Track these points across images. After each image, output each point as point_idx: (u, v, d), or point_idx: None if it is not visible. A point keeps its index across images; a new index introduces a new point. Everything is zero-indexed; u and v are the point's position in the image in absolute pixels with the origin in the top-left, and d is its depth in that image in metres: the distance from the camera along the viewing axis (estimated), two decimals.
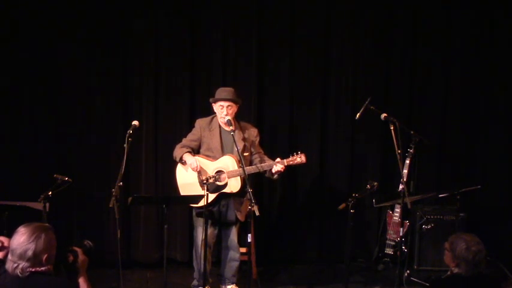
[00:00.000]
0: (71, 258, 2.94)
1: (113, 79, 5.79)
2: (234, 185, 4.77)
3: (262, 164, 4.80)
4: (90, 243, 3.17)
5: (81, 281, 2.99)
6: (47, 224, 2.92)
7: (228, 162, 4.78)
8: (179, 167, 4.91)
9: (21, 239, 2.76)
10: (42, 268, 2.77)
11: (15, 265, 2.74)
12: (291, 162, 4.75)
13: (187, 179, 4.84)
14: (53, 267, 2.83)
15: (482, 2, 6.08)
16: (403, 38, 6.13)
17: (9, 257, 2.77)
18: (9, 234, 4.45)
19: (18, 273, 2.73)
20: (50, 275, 2.80)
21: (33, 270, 2.75)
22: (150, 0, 5.79)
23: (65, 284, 2.88)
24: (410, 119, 6.10)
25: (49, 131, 5.73)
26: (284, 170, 4.76)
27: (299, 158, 4.74)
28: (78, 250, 3.00)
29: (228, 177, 4.75)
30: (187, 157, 4.81)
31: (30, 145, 5.67)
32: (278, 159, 4.76)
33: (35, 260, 2.74)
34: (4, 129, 5.63)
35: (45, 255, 2.77)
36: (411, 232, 5.66)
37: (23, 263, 2.73)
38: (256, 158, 4.92)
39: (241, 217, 4.87)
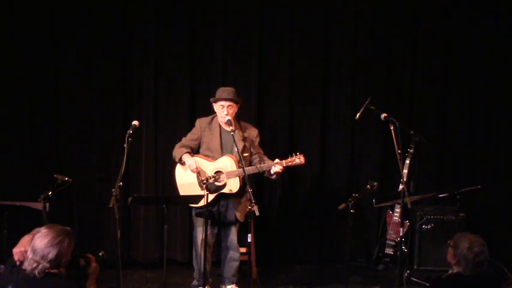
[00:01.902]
0: (82, 263, 2.96)
1: (113, 79, 5.79)
2: (233, 186, 4.76)
3: (261, 165, 4.80)
4: (104, 254, 3.19)
5: (89, 286, 3.00)
6: (69, 228, 2.93)
7: (227, 163, 4.78)
8: (178, 167, 4.91)
9: (45, 241, 2.78)
10: (55, 270, 2.78)
11: (35, 265, 2.76)
12: (290, 163, 4.74)
13: (186, 179, 4.84)
14: (65, 269, 2.85)
15: (482, 2, 6.08)
16: (403, 38, 6.12)
17: (30, 255, 2.78)
18: (10, 234, 4.50)
19: (36, 273, 2.75)
20: (61, 277, 2.81)
21: (47, 271, 2.76)
22: (151, 0, 5.79)
23: (74, 287, 2.90)
24: (411, 119, 6.10)
25: (49, 131, 5.72)
26: (283, 171, 4.76)
27: (298, 159, 4.73)
28: (91, 257, 3.02)
29: (227, 178, 4.75)
30: (187, 158, 4.81)
31: (30, 145, 5.67)
32: (277, 160, 4.76)
33: (55, 262, 2.76)
34: (4, 130, 5.63)
35: (64, 259, 2.79)
36: (411, 232, 5.66)
37: (44, 264, 2.76)
38: (255, 159, 4.92)
39: (240, 217, 4.87)
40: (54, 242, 2.77)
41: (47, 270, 2.76)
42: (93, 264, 3.01)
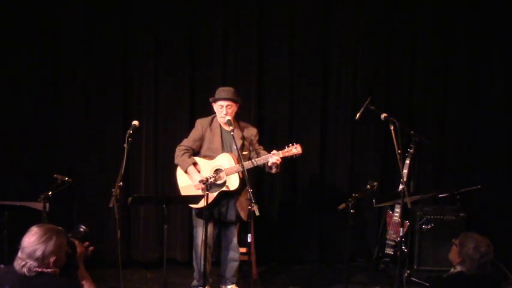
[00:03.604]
0: (69, 250, 2.92)
1: (113, 79, 5.79)
2: (233, 183, 4.76)
3: (257, 158, 4.76)
4: (84, 227, 3.14)
5: (81, 275, 2.99)
6: (60, 227, 2.91)
7: (225, 160, 4.77)
8: (179, 169, 4.90)
9: (32, 239, 2.77)
10: (49, 270, 2.78)
11: (23, 263, 2.75)
12: (287, 154, 4.71)
13: (188, 181, 4.84)
14: (59, 270, 2.83)
15: (482, 1, 6.08)
16: (403, 38, 6.13)
17: (19, 254, 2.78)
18: (9, 234, 4.50)
19: (25, 272, 2.75)
20: (55, 276, 2.81)
21: (39, 270, 2.76)
22: (151, 0, 5.79)
23: (70, 286, 2.89)
24: (411, 119, 6.10)
25: (49, 131, 5.72)
26: (280, 162, 4.73)
27: (294, 149, 4.71)
28: (76, 242, 2.99)
29: (227, 175, 4.75)
30: (192, 173, 4.78)
31: (30, 145, 5.66)
32: (274, 151, 4.72)
33: (42, 261, 2.75)
34: (4, 129, 5.63)
35: (54, 258, 2.78)
36: (411, 232, 5.66)
37: (31, 262, 2.75)
38: (253, 155, 4.90)
39: (244, 216, 4.83)
40: (41, 239, 2.76)
41: (39, 270, 2.76)
42: (79, 250, 2.99)
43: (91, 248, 3.05)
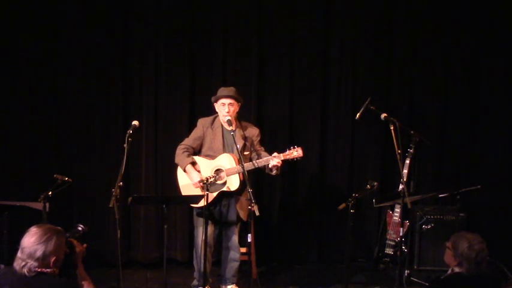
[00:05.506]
0: (67, 250, 2.93)
1: (113, 79, 5.79)
2: (233, 183, 4.76)
3: (258, 160, 4.77)
4: (83, 226, 3.14)
5: (80, 275, 2.99)
6: (59, 228, 2.92)
7: (226, 160, 4.77)
8: (180, 168, 4.90)
9: (32, 239, 2.78)
10: (48, 270, 2.78)
11: (23, 263, 2.76)
12: (288, 157, 4.72)
13: (188, 180, 4.84)
14: (58, 270, 2.84)
15: (483, 2, 6.08)
16: (403, 38, 6.12)
17: (19, 254, 2.79)
18: (10, 234, 4.50)
19: (25, 272, 2.75)
20: (54, 276, 2.81)
21: (39, 270, 2.76)
22: (150, 1, 5.80)
23: (69, 286, 2.89)
24: (411, 119, 6.10)
25: (49, 131, 5.72)
26: (281, 164, 4.73)
27: (296, 152, 4.72)
28: (74, 241, 2.99)
29: (227, 175, 4.75)
30: (190, 172, 4.79)
31: (30, 145, 5.66)
32: (275, 154, 4.72)
33: (43, 261, 2.76)
34: (4, 129, 5.63)
35: (54, 258, 2.78)
36: (411, 232, 5.66)
37: (31, 262, 2.75)
38: (254, 156, 4.91)
39: (244, 216, 4.84)
40: (41, 239, 2.77)
41: (39, 270, 2.76)
42: (78, 249, 2.99)
43: (85, 245, 3.05)
